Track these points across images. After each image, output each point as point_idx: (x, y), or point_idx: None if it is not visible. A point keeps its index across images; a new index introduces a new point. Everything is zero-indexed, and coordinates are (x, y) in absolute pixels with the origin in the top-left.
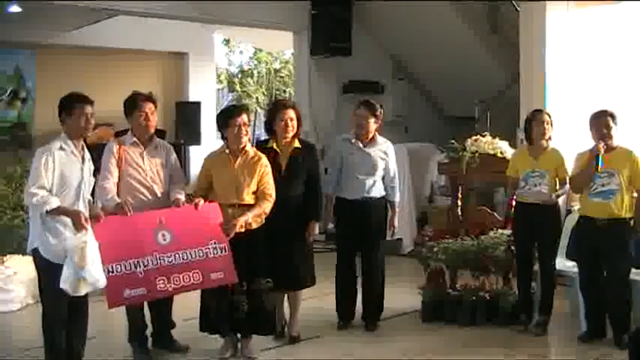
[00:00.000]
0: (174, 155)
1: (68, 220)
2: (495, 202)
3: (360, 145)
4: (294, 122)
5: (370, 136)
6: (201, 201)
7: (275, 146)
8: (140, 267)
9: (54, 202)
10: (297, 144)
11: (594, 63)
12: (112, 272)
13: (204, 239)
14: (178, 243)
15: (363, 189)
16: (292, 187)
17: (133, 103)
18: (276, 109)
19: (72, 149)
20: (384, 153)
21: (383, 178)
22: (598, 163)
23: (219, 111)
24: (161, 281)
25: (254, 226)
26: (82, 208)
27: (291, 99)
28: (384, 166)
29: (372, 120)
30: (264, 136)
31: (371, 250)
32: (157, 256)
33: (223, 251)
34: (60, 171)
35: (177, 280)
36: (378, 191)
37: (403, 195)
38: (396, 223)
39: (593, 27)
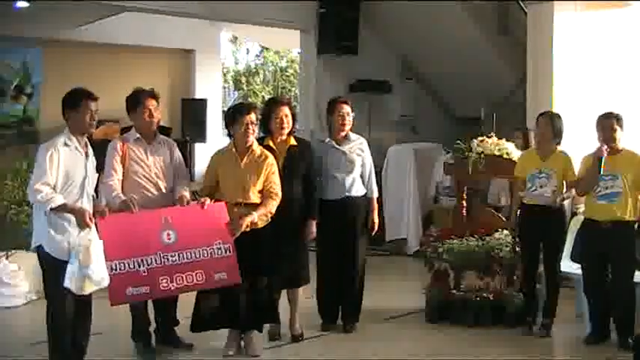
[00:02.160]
0: (177, 151)
1: (73, 217)
2: (501, 204)
3: (335, 143)
4: (289, 119)
5: (344, 133)
6: (208, 200)
7: (271, 144)
8: (144, 265)
9: (58, 200)
10: (292, 141)
11: (602, 65)
12: (116, 270)
13: (210, 239)
14: (183, 242)
15: (343, 188)
16: (292, 185)
17: (136, 100)
18: (270, 106)
19: (76, 145)
20: (360, 149)
21: (361, 176)
22: (601, 166)
23: (228, 108)
24: (164, 280)
25: (260, 225)
26: (86, 204)
27: (297, 97)
28: (361, 163)
29: (351, 114)
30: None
31: (354, 251)
32: (161, 255)
33: (228, 252)
34: (65, 167)
35: (180, 280)
36: (358, 190)
37: (409, 195)
38: (376, 219)
39: (600, 29)
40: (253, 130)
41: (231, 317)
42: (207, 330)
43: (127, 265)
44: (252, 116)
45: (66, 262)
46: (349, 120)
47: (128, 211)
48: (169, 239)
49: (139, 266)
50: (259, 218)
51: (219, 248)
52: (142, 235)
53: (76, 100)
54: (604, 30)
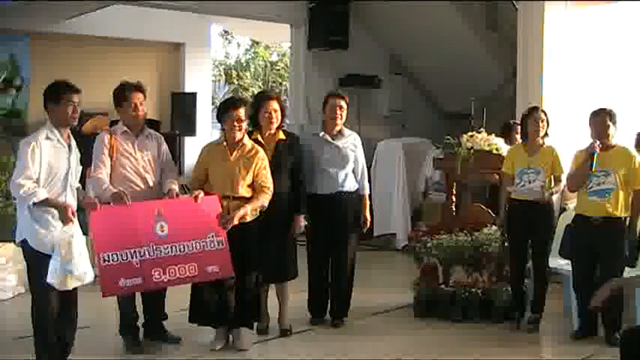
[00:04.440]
0: (165, 145)
1: (56, 211)
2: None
3: (329, 138)
4: (278, 113)
5: (339, 127)
6: (201, 193)
7: (259, 138)
8: (136, 257)
9: (41, 194)
10: (281, 135)
11: (592, 62)
12: (108, 261)
13: (203, 232)
14: (176, 234)
15: (335, 183)
16: (279, 179)
17: (123, 94)
18: (259, 100)
19: (58, 138)
20: (353, 145)
21: (353, 171)
22: (593, 162)
23: (220, 101)
24: (157, 272)
25: (248, 219)
26: (70, 197)
27: (287, 91)
28: (354, 158)
29: (345, 109)
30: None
31: (344, 246)
32: (154, 246)
33: (221, 245)
34: (47, 161)
35: (172, 272)
36: (351, 185)
37: (398, 190)
38: (367, 216)
39: (591, 26)
40: (242, 125)
41: (221, 314)
42: (203, 324)
43: (119, 256)
44: (241, 111)
45: (50, 257)
46: (341, 114)
47: (121, 203)
48: (162, 231)
49: (132, 258)
50: (251, 211)
51: (212, 241)
52: (135, 226)
53: (57, 93)
54: (594, 26)
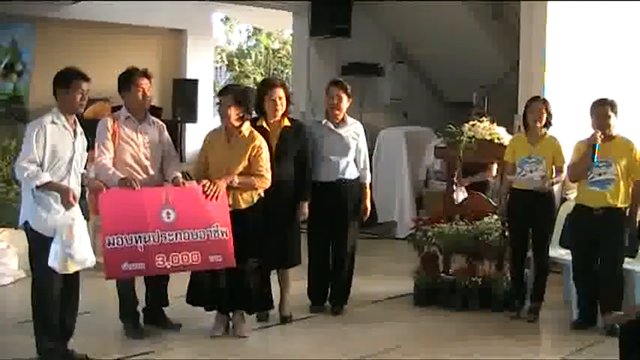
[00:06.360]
0: (166, 133)
1: (59, 195)
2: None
3: (331, 126)
4: (283, 101)
5: (341, 116)
6: (208, 182)
7: (265, 125)
8: (141, 242)
9: (44, 177)
10: (286, 123)
11: (594, 52)
12: (113, 244)
13: (208, 221)
14: (182, 222)
15: (337, 171)
16: (282, 166)
17: (130, 79)
18: (264, 87)
19: (64, 123)
20: (355, 133)
21: (355, 160)
22: (594, 153)
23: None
24: (160, 258)
25: (243, 206)
26: (74, 182)
27: (289, 79)
28: (356, 147)
29: (345, 98)
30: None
31: (345, 234)
32: (159, 232)
33: (225, 235)
34: (51, 145)
35: (176, 259)
36: (352, 173)
37: (402, 179)
38: (368, 205)
39: (594, 16)
40: (228, 113)
41: (216, 297)
42: (201, 305)
43: (124, 240)
44: (227, 99)
45: (52, 240)
46: (339, 103)
47: (129, 188)
48: (169, 218)
49: (137, 242)
50: (242, 197)
51: (217, 231)
52: (141, 211)
53: (67, 79)
54: (597, 16)
